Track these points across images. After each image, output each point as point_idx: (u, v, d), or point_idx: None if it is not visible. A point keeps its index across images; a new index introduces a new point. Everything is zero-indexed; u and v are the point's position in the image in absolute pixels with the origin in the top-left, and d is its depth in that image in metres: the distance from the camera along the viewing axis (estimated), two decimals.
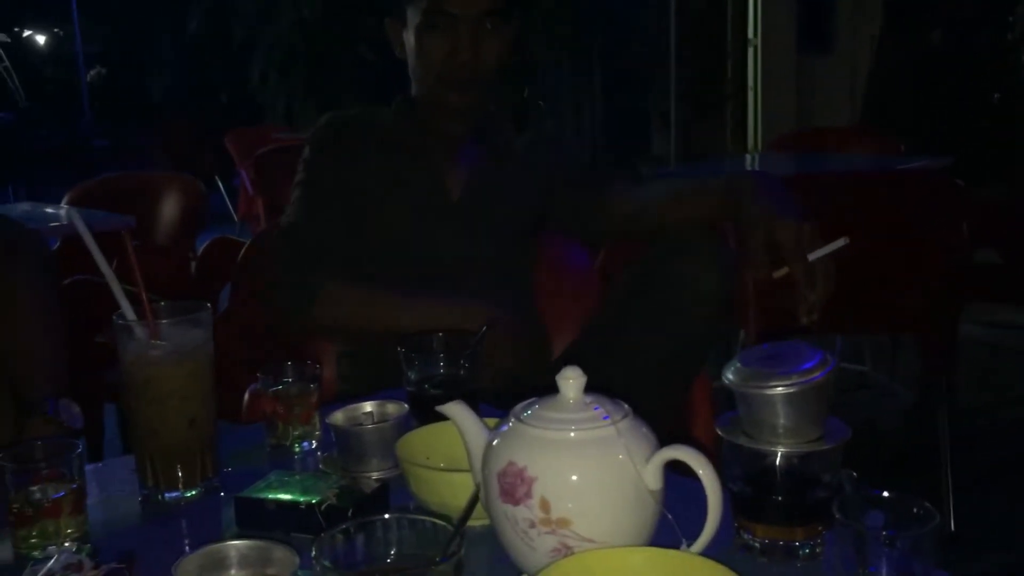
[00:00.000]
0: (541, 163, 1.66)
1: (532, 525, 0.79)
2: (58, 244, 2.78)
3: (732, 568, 0.69)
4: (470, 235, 1.58)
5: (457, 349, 1.19)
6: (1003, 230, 3.10)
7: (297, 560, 0.74)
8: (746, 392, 0.87)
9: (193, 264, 3.04)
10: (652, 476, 0.80)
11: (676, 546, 0.80)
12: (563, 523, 0.78)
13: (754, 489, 0.87)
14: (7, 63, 12.10)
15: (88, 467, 1.05)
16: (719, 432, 0.89)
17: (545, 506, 0.78)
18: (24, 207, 3.88)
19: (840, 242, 1.24)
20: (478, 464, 0.85)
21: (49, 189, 6.63)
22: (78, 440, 0.98)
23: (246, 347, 1.78)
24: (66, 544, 0.89)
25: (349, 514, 0.91)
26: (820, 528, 0.86)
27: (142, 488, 1.06)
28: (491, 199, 1.61)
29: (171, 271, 2.85)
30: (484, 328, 1.24)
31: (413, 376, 1.19)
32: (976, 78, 6.13)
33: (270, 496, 0.96)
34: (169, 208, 3.44)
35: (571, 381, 0.83)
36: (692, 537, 0.81)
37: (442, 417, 0.91)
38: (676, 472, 0.82)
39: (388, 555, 0.75)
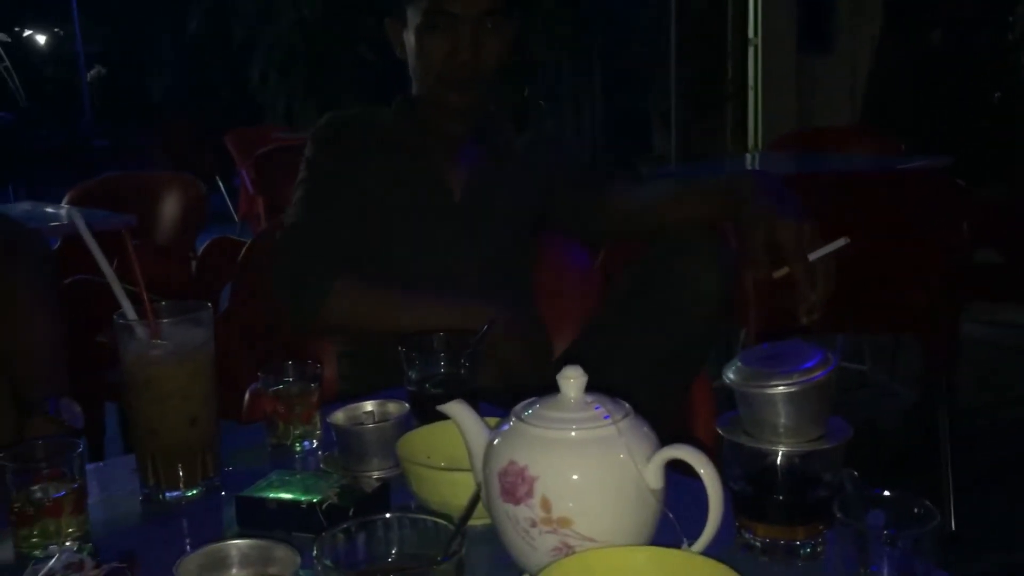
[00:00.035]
0: (541, 163, 1.66)
1: (533, 524, 0.79)
2: (58, 244, 2.79)
3: (733, 567, 0.69)
4: (471, 235, 1.58)
5: (458, 348, 1.19)
6: (1003, 230, 3.09)
7: (298, 559, 0.74)
8: (747, 391, 0.87)
9: (193, 264, 3.04)
10: (653, 475, 0.80)
11: (677, 545, 0.80)
12: (564, 522, 0.78)
13: (755, 488, 0.87)
14: (7, 63, 12.10)
15: (89, 466, 1.05)
16: (720, 431, 0.89)
17: (546, 505, 0.78)
18: (24, 207, 3.89)
19: (840, 242, 1.24)
20: (479, 463, 0.85)
21: (49, 189, 6.64)
22: (79, 439, 0.98)
23: (247, 347, 1.78)
24: (67, 543, 0.89)
25: (350, 513, 0.91)
26: (821, 527, 0.86)
27: (143, 487, 1.06)
28: (492, 199, 1.61)
29: (172, 271, 2.85)
30: (485, 328, 1.24)
31: (414, 375, 1.19)
32: (976, 78, 6.13)
33: (271, 495, 0.96)
34: (169, 208, 3.44)
35: (572, 380, 0.83)
36: (693, 536, 0.81)
37: (443, 416, 0.91)
38: (677, 471, 0.82)
39: (389, 554, 0.75)
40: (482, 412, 0.90)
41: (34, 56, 13.64)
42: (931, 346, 2.66)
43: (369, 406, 1.14)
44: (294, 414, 1.18)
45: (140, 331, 1.03)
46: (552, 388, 0.84)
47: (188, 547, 0.92)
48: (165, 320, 1.03)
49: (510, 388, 1.21)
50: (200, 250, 3.08)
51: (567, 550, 0.78)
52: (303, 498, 0.95)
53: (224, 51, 9.03)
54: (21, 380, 1.39)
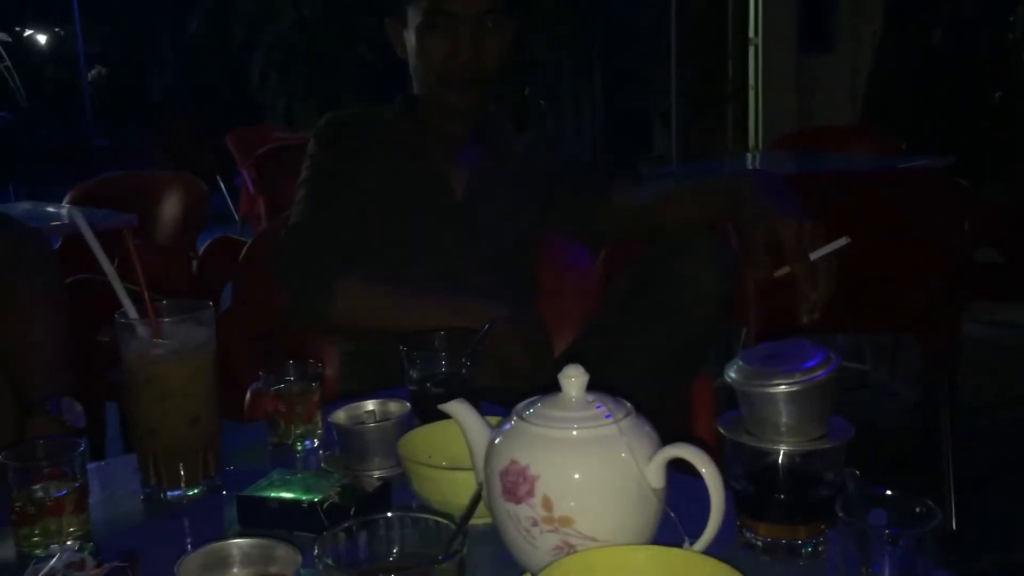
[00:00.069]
0: (542, 163, 1.66)
1: (534, 523, 0.79)
2: (60, 243, 2.79)
3: (735, 567, 0.69)
4: (472, 235, 1.58)
5: (459, 348, 1.19)
6: (1004, 229, 3.10)
7: (299, 559, 0.75)
8: (749, 391, 0.87)
9: (194, 263, 3.04)
10: (654, 474, 0.80)
11: (679, 544, 0.80)
12: (565, 521, 0.78)
13: (757, 488, 0.87)
14: (8, 63, 12.10)
15: (90, 466, 1.05)
16: (721, 431, 0.89)
17: (547, 504, 0.78)
18: (25, 206, 3.89)
19: (841, 241, 1.24)
20: (480, 462, 0.86)
21: (49, 189, 6.64)
22: (80, 439, 0.98)
23: (248, 346, 1.78)
24: (68, 543, 0.89)
25: (351, 512, 0.91)
26: (823, 527, 0.86)
27: (144, 487, 1.06)
28: (493, 199, 1.61)
29: (173, 270, 2.85)
30: (486, 327, 1.24)
31: (415, 375, 1.19)
32: (977, 77, 6.12)
33: (272, 495, 0.96)
34: (170, 207, 3.44)
35: (573, 379, 0.83)
36: (695, 535, 0.81)
37: (444, 416, 0.91)
38: (679, 471, 0.82)
39: (390, 554, 0.75)
40: (483, 411, 0.90)
41: (35, 56, 13.64)
42: (932, 346, 2.66)
43: (370, 405, 1.14)
44: (295, 413, 1.18)
45: (141, 330, 1.03)
46: (553, 387, 0.84)
47: (189, 546, 0.92)
48: (166, 319, 1.03)
49: (511, 387, 1.20)
50: (201, 249, 3.08)
51: (568, 549, 0.78)
52: (304, 497, 0.95)
53: (224, 51, 9.03)
54: (22, 379, 1.39)
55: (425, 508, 0.94)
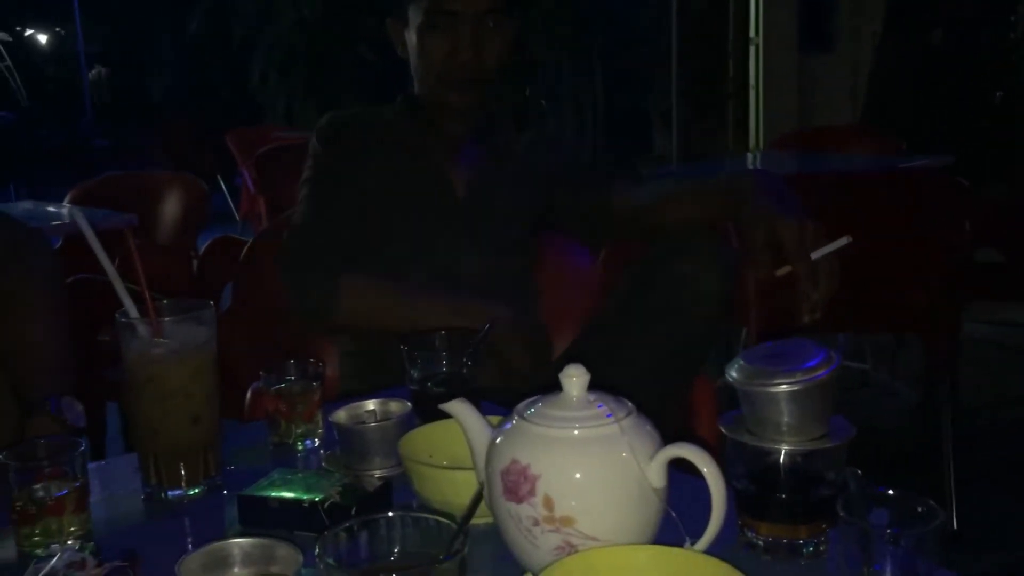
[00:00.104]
0: (542, 163, 1.66)
1: (536, 523, 0.79)
2: (60, 243, 2.79)
3: (736, 566, 0.69)
4: (473, 234, 1.58)
5: (460, 347, 1.19)
6: (1004, 229, 3.10)
7: (300, 558, 0.74)
8: (750, 390, 0.87)
9: (195, 263, 3.04)
10: (656, 474, 0.80)
11: (680, 544, 0.80)
12: (567, 521, 0.78)
13: (758, 487, 0.87)
14: (9, 62, 12.10)
15: (91, 465, 1.05)
16: (723, 430, 0.89)
17: (549, 504, 0.78)
18: (26, 206, 3.88)
19: (843, 241, 1.23)
20: (481, 462, 0.85)
21: (50, 188, 6.64)
22: (81, 438, 0.98)
23: (248, 345, 1.78)
24: (69, 542, 0.89)
25: (352, 512, 0.91)
26: (824, 526, 0.86)
27: (145, 486, 1.06)
28: (494, 198, 1.61)
29: (173, 270, 2.85)
30: (487, 326, 1.24)
31: (416, 374, 1.19)
32: (977, 77, 6.12)
33: (273, 494, 0.96)
34: (171, 207, 3.44)
35: (574, 379, 0.83)
36: (696, 535, 0.81)
37: (445, 415, 0.91)
38: (680, 470, 0.81)
39: (391, 553, 0.75)
40: (484, 411, 0.90)
41: (35, 56, 13.65)
42: (932, 345, 2.66)
43: (371, 405, 1.14)
44: (296, 413, 1.18)
45: (142, 330, 1.03)
46: (554, 386, 0.84)
47: (190, 546, 0.91)
48: (167, 319, 1.03)
49: (512, 387, 1.20)
50: (202, 249, 3.08)
51: (569, 549, 0.78)
52: (305, 497, 0.94)
53: (224, 51, 9.04)
54: (23, 379, 1.39)
55: (426, 508, 0.94)
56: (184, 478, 1.04)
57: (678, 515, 0.81)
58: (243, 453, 1.16)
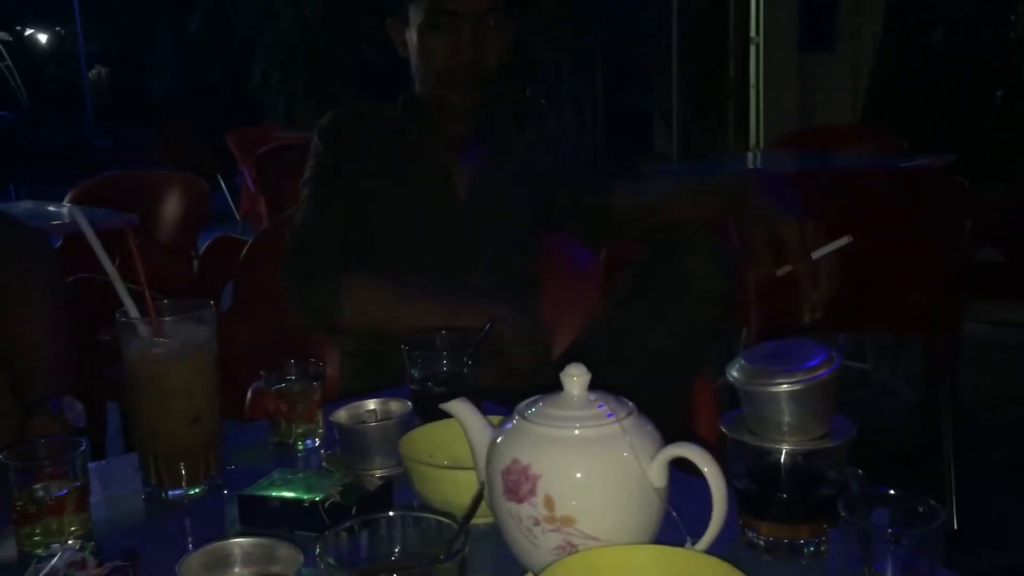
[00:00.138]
0: (543, 162, 1.66)
1: (536, 523, 0.79)
2: (61, 242, 2.79)
3: (737, 566, 0.69)
4: (474, 233, 1.58)
5: (460, 347, 1.19)
6: (1005, 228, 3.09)
7: (301, 558, 0.74)
8: (751, 390, 0.87)
9: (195, 262, 3.04)
10: (657, 474, 0.80)
11: (681, 544, 0.80)
12: (567, 521, 0.78)
13: (759, 487, 0.87)
14: (9, 62, 12.10)
15: (91, 465, 1.05)
16: (723, 430, 0.89)
17: (549, 504, 0.78)
18: (26, 205, 3.88)
19: (843, 240, 1.23)
20: (482, 462, 0.85)
21: (50, 188, 6.63)
22: (81, 438, 0.98)
23: (249, 345, 1.78)
24: (69, 542, 0.89)
25: (353, 512, 0.91)
26: (825, 526, 0.86)
27: (145, 486, 1.06)
28: (495, 197, 1.61)
29: (174, 269, 2.85)
30: (487, 326, 1.24)
31: (416, 374, 1.19)
32: (978, 76, 6.12)
33: (274, 494, 0.96)
34: (171, 206, 3.44)
35: (575, 378, 0.83)
36: (697, 535, 0.81)
37: (446, 415, 0.91)
38: (681, 470, 0.81)
39: (392, 553, 0.75)
40: (484, 411, 0.90)
41: (36, 55, 13.66)
42: (933, 345, 2.66)
43: (372, 404, 1.14)
44: (296, 412, 1.18)
45: (143, 329, 1.03)
46: (554, 386, 0.84)
47: (191, 546, 0.92)
48: (168, 318, 1.03)
49: (512, 386, 1.20)
50: (202, 249, 3.08)
51: (570, 549, 0.78)
52: (306, 497, 0.94)
53: (224, 51, 9.03)
54: (23, 379, 1.39)
55: (427, 507, 0.94)
56: (184, 478, 1.04)
57: (679, 515, 0.81)
58: (243, 453, 1.16)
